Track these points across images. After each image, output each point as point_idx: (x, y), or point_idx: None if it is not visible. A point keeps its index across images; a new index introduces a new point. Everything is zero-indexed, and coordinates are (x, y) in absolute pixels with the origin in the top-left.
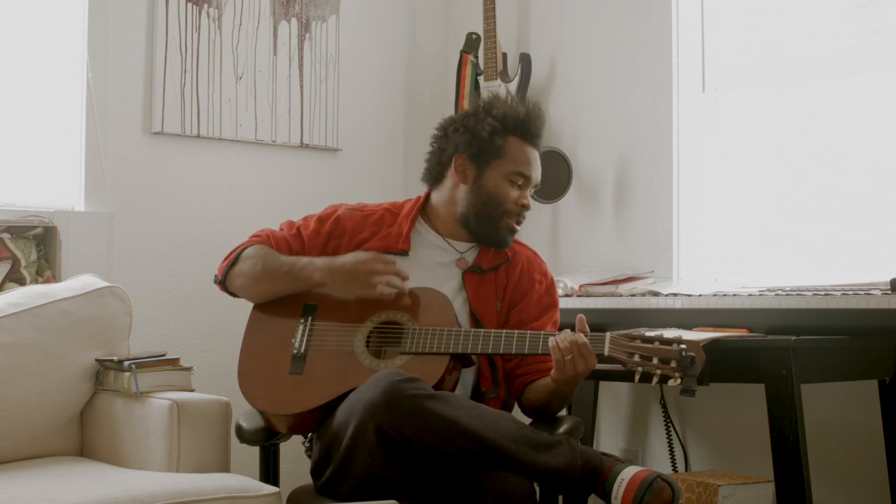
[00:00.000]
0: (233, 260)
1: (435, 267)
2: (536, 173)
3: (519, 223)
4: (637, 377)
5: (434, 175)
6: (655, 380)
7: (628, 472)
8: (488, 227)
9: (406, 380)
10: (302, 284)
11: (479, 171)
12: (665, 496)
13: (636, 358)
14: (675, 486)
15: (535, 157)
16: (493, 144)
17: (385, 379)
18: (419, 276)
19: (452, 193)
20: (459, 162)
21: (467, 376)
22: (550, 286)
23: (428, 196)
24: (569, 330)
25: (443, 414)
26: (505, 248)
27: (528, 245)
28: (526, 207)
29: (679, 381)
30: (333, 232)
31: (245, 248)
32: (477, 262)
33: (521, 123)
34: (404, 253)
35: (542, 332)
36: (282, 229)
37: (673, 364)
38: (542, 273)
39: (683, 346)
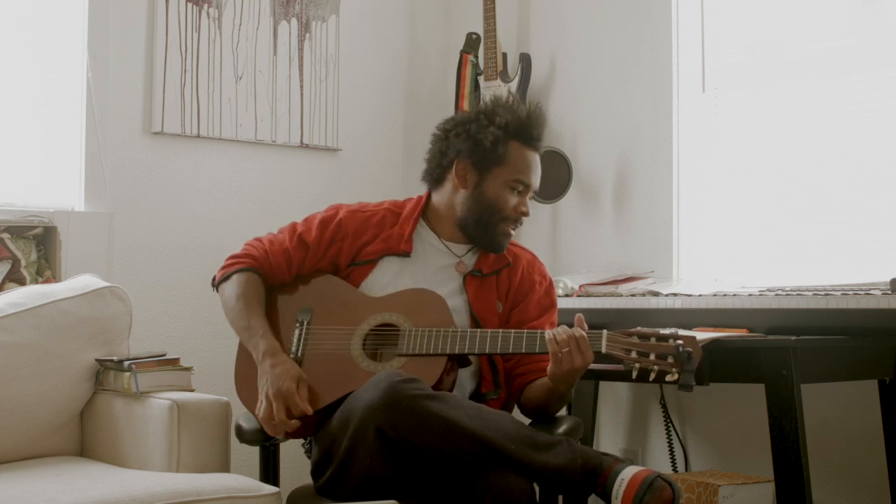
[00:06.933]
0: (225, 276)
1: (435, 269)
2: (536, 179)
3: (515, 228)
4: (634, 374)
5: (434, 177)
6: (653, 376)
7: (628, 472)
8: (486, 233)
9: (406, 380)
10: (248, 347)
11: (480, 177)
12: (665, 496)
13: (633, 354)
14: (676, 486)
15: (535, 161)
16: (495, 153)
17: (385, 380)
18: (419, 277)
19: (452, 197)
20: (460, 167)
21: (467, 378)
22: (549, 288)
23: (429, 196)
24: (566, 326)
25: (442, 414)
26: (501, 252)
27: (526, 247)
28: (524, 214)
29: (676, 376)
30: (335, 236)
31: (239, 270)
32: (477, 266)
33: (524, 128)
34: (406, 254)
35: (539, 330)
36: (282, 233)
37: (670, 360)
38: (542, 275)
39: (680, 341)
